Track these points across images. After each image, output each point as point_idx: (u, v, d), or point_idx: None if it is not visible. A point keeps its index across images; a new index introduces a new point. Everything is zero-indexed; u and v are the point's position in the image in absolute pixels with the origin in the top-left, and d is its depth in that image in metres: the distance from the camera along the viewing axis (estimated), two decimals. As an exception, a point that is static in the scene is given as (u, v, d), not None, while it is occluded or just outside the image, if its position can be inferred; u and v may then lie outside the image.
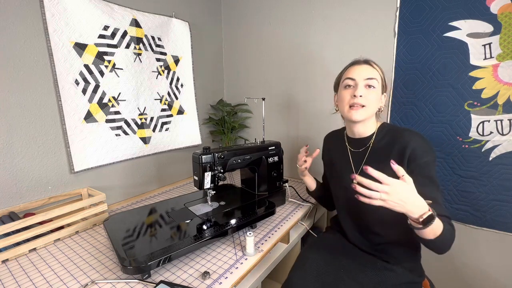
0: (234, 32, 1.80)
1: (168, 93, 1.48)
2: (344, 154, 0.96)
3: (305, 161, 1.07)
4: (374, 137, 0.89)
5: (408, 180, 0.62)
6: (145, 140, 1.38)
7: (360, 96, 0.82)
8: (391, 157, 0.81)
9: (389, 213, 0.81)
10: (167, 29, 1.44)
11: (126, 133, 1.29)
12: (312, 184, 1.12)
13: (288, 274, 0.83)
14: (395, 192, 0.60)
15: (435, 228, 0.66)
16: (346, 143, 0.96)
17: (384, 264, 0.85)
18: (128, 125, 1.30)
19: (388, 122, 1.29)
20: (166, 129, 1.49)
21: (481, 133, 1.09)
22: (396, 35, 1.22)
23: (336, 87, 0.94)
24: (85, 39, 1.11)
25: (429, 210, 0.64)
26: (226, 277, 0.77)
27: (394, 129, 0.87)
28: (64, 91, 1.06)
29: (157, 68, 1.41)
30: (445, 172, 1.18)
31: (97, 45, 1.15)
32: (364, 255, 0.89)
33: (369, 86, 0.83)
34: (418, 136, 0.80)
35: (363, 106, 0.83)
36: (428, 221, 0.63)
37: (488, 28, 1.03)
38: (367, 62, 0.86)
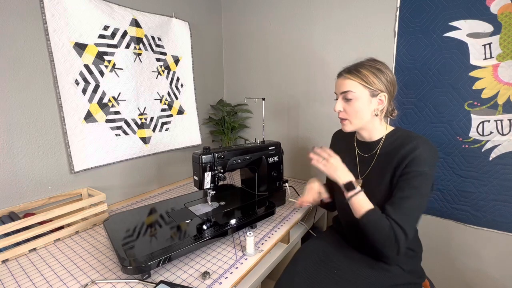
0: (234, 32, 1.80)
1: (168, 93, 1.48)
2: (351, 156, 0.95)
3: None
4: (382, 142, 0.87)
5: (338, 157, 0.86)
6: (145, 140, 1.38)
7: (340, 111, 0.86)
8: (394, 162, 0.80)
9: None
10: (167, 29, 1.44)
11: (126, 133, 1.29)
12: (326, 196, 1.04)
13: (281, 274, 0.83)
14: (332, 162, 0.85)
15: (358, 203, 0.79)
16: (355, 145, 0.96)
17: (381, 264, 0.84)
18: (128, 125, 1.30)
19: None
20: (166, 129, 1.49)
21: (481, 133, 1.09)
22: (396, 35, 1.22)
23: None
24: (85, 39, 1.11)
25: (353, 181, 0.81)
26: (226, 277, 0.77)
27: (406, 135, 0.84)
28: (64, 91, 1.06)
29: (157, 68, 1.41)
30: (445, 172, 1.18)
31: (97, 45, 1.15)
32: (362, 256, 0.88)
33: (346, 99, 0.84)
34: (425, 145, 0.78)
35: (345, 119, 0.86)
36: (349, 188, 0.81)
37: (488, 28, 1.03)
38: (341, 74, 0.86)
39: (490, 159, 1.09)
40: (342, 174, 0.83)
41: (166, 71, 1.46)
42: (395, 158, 0.81)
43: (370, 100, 0.83)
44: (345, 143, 1.00)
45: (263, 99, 1.38)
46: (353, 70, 0.84)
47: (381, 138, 0.88)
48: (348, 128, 0.87)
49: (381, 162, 0.86)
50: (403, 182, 0.77)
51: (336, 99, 0.88)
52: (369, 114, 0.84)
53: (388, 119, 0.92)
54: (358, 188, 0.81)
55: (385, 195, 0.82)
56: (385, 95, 0.83)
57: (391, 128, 0.89)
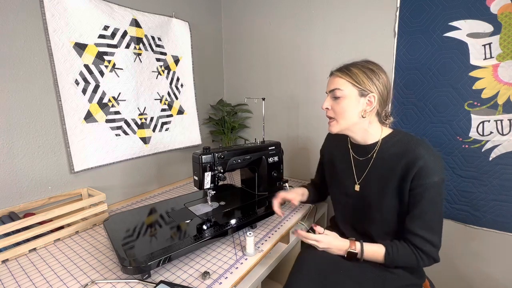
0: (234, 32, 1.80)
1: (168, 93, 1.48)
2: (346, 159, 0.94)
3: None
4: (378, 146, 0.85)
5: (328, 233, 0.84)
6: (145, 140, 1.38)
7: (327, 108, 0.85)
8: (396, 170, 0.79)
9: (388, 218, 0.83)
10: (167, 29, 1.44)
11: (126, 133, 1.29)
12: (303, 197, 1.07)
13: (287, 278, 0.82)
14: (323, 242, 0.82)
15: (371, 257, 0.80)
16: (350, 148, 0.94)
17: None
18: (128, 125, 1.29)
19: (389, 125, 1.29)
20: (166, 129, 1.49)
21: (481, 133, 1.09)
22: (396, 35, 1.22)
23: None
24: (85, 39, 1.11)
25: (350, 247, 0.81)
26: (226, 277, 0.77)
27: (406, 140, 0.81)
28: (64, 91, 1.06)
29: (157, 68, 1.41)
30: (445, 172, 1.18)
31: (97, 45, 1.15)
32: None
33: (334, 97, 0.83)
34: (429, 153, 0.75)
35: (331, 118, 0.85)
36: (352, 257, 0.81)
37: (488, 28, 1.03)
38: (332, 72, 0.85)
39: (490, 159, 1.09)
40: (338, 248, 0.82)
41: (166, 71, 1.46)
42: (398, 167, 0.78)
43: (359, 100, 0.80)
44: (339, 146, 0.98)
45: (263, 99, 1.38)
46: (344, 69, 0.83)
47: (377, 142, 0.85)
48: (334, 128, 0.86)
49: (379, 167, 0.84)
50: (416, 197, 0.76)
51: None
52: (356, 115, 0.82)
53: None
54: (358, 246, 0.81)
55: (390, 205, 0.81)
56: (374, 96, 0.80)
57: (388, 131, 0.86)
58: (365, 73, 0.80)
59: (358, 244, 0.81)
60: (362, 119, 0.82)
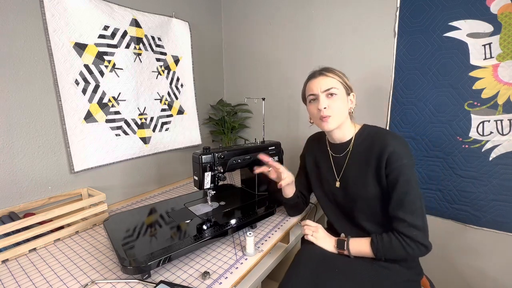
0: (234, 32, 1.80)
1: (168, 93, 1.48)
2: (327, 158, 0.99)
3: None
4: (353, 141, 0.91)
5: (321, 226, 0.94)
6: (145, 140, 1.38)
7: (324, 108, 0.86)
8: (371, 161, 0.85)
9: (374, 206, 0.86)
10: (167, 29, 1.44)
11: (126, 133, 1.29)
12: (292, 191, 1.06)
13: (283, 277, 0.83)
14: (319, 231, 0.92)
15: (359, 250, 0.84)
16: (328, 148, 0.99)
17: (380, 262, 0.84)
18: (128, 125, 1.29)
19: (388, 122, 1.29)
20: (166, 129, 1.49)
21: (481, 133, 1.09)
22: (396, 35, 1.22)
23: (304, 100, 0.97)
24: (85, 39, 1.11)
25: (337, 240, 0.88)
26: (226, 277, 0.77)
27: (374, 131, 0.90)
28: (64, 91, 1.06)
29: (157, 68, 1.41)
30: (445, 172, 1.18)
31: (97, 45, 1.15)
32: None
33: (331, 94, 0.86)
34: (396, 140, 0.83)
35: (330, 116, 0.87)
36: (340, 247, 0.86)
37: (488, 28, 1.03)
38: (321, 73, 0.90)
39: (490, 159, 1.09)
40: (326, 242, 0.89)
41: (166, 71, 1.46)
42: (371, 157, 0.85)
43: (346, 98, 0.89)
44: (320, 147, 1.03)
45: (263, 99, 1.38)
46: (330, 70, 0.90)
47: (351, 138, 0.92)
48: (332, 125, 0.88)
49: (355, 161, 0.90)
50: (393, 181, 0.80)
51: (311, 101, 0.90)
52: (346, 112, 0.89)
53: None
54: (344, 240, 0.86)
55: (373, 195, 0.86)
56: (354, 95, 0.91)
57: (358, 127, 0.94)
58: (344, 75, 0.91)
59: (345, 238, 0.87)
60: (348, 116, 0.91)
